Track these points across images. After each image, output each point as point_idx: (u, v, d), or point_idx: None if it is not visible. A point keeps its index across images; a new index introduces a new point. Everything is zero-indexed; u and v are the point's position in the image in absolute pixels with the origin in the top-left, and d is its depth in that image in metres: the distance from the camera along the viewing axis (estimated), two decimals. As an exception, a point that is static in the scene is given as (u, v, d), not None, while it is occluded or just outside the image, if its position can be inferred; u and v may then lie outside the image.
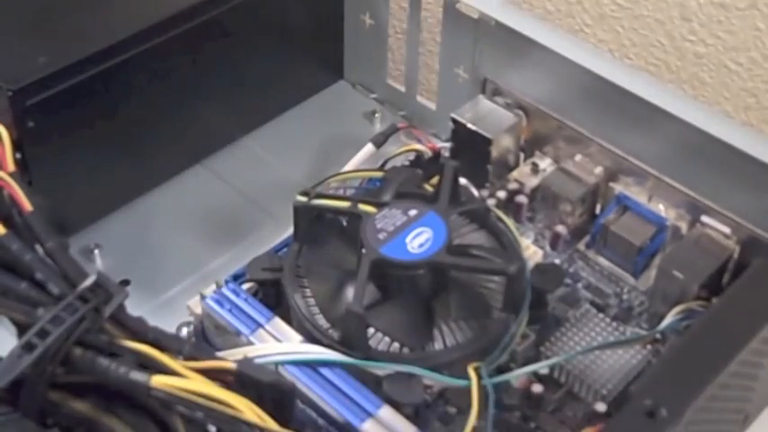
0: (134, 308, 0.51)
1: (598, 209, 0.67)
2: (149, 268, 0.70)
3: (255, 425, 0.47)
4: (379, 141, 0.69)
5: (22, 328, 0.49)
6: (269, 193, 0.75)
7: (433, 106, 0.79)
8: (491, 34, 0.69)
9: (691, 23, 0.86)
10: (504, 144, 0.68)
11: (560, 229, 0.65)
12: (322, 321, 0.57)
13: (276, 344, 0.56)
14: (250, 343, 0.56)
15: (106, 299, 0.49)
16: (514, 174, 0.68)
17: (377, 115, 0.81)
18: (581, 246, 0.66)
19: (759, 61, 0.84)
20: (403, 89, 0.81)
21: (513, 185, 0.67)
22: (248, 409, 0.47)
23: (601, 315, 0.61)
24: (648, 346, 0.59)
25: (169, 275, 0.69)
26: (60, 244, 0.52)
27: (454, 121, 0.69)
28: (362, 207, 0.59)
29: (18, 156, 0.60)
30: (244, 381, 0.49)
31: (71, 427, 0.50)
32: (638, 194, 0.64)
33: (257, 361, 0.53)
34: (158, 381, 0.47)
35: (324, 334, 0.56)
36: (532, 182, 0.67)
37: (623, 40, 0.91)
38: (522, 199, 0.67)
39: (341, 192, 0.63)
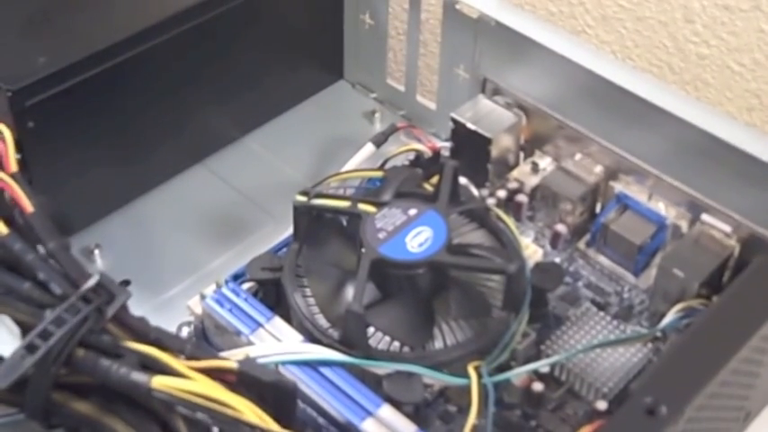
0: (134, 308, 0.51)
1: (598, 208, 0.67)
2: (149, 268, 0.70)
3: (256, 426, 0.47)
4: (379, 141, 0.69)
5: (25, 329, 0.49)
6: (269, 193, 0.75)
7: (432, 106, 0.79)
8: (491, 34, 0.69)
9: (694, 25, 0.86)
10: (503, 143, 0.68)
11: (560, 227, 0.65)
12: (322, 321, 0.57)
13: (276, 343, 0.56)
14: (250, 343, 0.56)
15: (109, 299, 0.49)
16: (514, 173, 0.68)
17: (377, 115, 0.81)
18: (581, 244, 0.66)
19: (762, 62, 0.84)
20: (403, 89, 0.81)
21: (513, 185, 0.67)
22: (249, 410, 0.47)
23: (601, 313, 0.61)
24: (649, 345, 0.59)
25: (169, 275, 0.69)
26: (62, 244, 0.52)
27: (454, 120, 0.69)
28: (362, 207, 0.59)
29: (18, 156, 0.60)
30: (245, 380, 0.49)
31: (76, 427, 0.51)
32: (638, 193, 0.64)
33: (258, 361, 0.53)
34: (159, 382, 0.47)
35: (324, 333, 0.56)
36: (532, 181, 0.67)
37: (626, 42, 0.91)
38: (522, 198, 0.67)
39: (341, 191, 0.63)
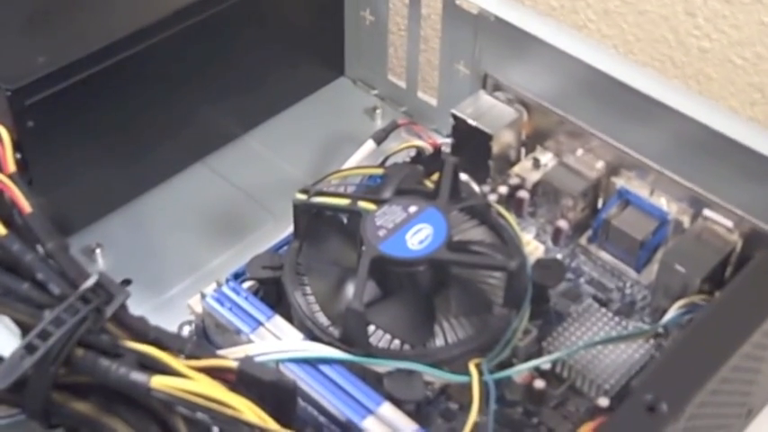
0: (135, 307, 0.51)
1: (600, 203, 0.67)
2: (150, 267, 0.70)
3: (256, 425, 0.47)
4: (380, 138, 0.69)
5: (25, 329, 0.49)
6: (269, 191, 0.75)
7: (433, 102, 0.79)
8: (491, 29, 0.69)
9: (695, 18, 0.85)
10: (504, 139, 0.68)
11: (562, 223, 0.65)
12: (322, 319, 0.57)
13: (277, 342, 0.56)
14: (251, 341, 0.56)
15: (108, 299, 0.49)
16: (516, 169, 0.68)
17: (378, 111, 0.81)
18: (583, 240, 0.66)
19: (764, 56, 0.84)
20: (404, 85, 0.81)
21: (514, 181, 0.67)
22: (248, 410, 0.47)
23: (603, 310, 0.61)
24: (651, 341, 0.59)
25: (170, 274, 0.69)
26: (61, 244, 0.52)
27: (455, 116, 0.69)
28: (362, 204, 0.59)
29: (18, 156, 0.60)
30: (245, 380, 0.49)
31: (76, 427, 0.50)
32: (639, 189, 0.64)
33: (258, 359, 0.53)
34: (158, 381, 0.47)
35: (324, 331, 0.56)
36: (534, 177, 0.67)
37: (627, 36, 0.90)
38: (523, 194, 0.67)
39: (341, 189, 0.63)
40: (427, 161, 0.68)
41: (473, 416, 0.52)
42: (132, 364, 0.48)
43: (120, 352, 0.48)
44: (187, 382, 0.47)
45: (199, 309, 0.59)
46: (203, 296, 0.58)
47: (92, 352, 0.48)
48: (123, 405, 0.49)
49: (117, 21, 0.69)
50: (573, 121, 0.67)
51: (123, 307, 0.50)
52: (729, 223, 0.61)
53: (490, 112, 0.69)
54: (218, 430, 0.49)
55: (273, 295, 0.59)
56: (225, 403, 0.47)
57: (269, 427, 0.47)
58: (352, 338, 0.55)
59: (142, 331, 0.50)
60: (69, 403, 0.49)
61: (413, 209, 0.58)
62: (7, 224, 0.53)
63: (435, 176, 0.62)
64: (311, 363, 0.54)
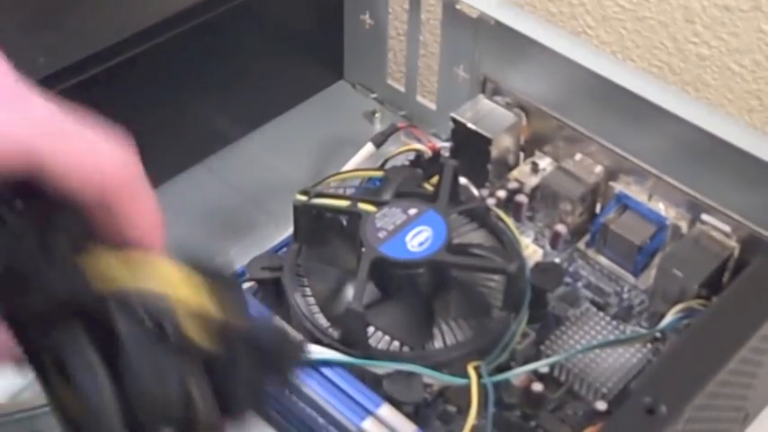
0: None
1: (598, 208, 0.67)
2: (149, 268, 0.70)
3: None
4: (379, 141, 0.69)
5: None
6: (269, 193, 0.75)
7: (432, 106, 0.79)
8: (491, 34, 0.69)
9: (694, 25, 0.86)
10: (503, 143, 0.68)
11: (560, 228, 0.65)
12: (322, 320, 0.57)
13: (276, 343, 0.56)
14: (250, 342, 0.56)
15: None
16: (514, 173, 0.68)
17: (377, 115, 0.81)
18: (581, 245, 0.66)
19: (763, 63, 0.84)
20: (403, 89, 0.81)
21: (512, 185, 0.67)
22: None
23: (601, 314, 0.61)
24: (648, 345, 0.59)
25: (169, 275, 0.69)
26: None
27: (454, 120, 0.69)
28: (362, 206, 0.59)
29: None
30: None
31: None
32: (638, 193, 0.64)
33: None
34: None
35: (324, 333, 0.56)
36: (532, 181, 0.67)
37: (626, 42, 0.91)
38: (521, 198, 0.67)
39: (341, 191, 0.63)
40: (426, 164, 0.68)
41: (471, 419, 0.52)
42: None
43: None
44: None
45: (198, 309, 0.59)
46: (203, 297, 0.58)
47: None
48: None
49: (118, 22, 0.69)
50: (572, 126, 0.67)
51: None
52: (727, 228, 0.61)
53: (489, 116, 0.69)
54: None
55: (273, 296, 0.59)
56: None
57: None
58: (351, 340, 0.55)
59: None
60: None
61: (413, 211, 0.58)
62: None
63: (434, 180, 0.63)
64: (311, 364, 0.54)
